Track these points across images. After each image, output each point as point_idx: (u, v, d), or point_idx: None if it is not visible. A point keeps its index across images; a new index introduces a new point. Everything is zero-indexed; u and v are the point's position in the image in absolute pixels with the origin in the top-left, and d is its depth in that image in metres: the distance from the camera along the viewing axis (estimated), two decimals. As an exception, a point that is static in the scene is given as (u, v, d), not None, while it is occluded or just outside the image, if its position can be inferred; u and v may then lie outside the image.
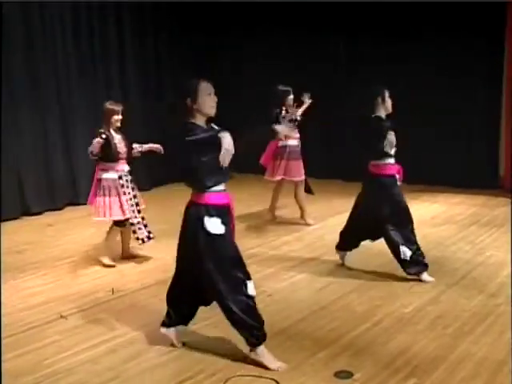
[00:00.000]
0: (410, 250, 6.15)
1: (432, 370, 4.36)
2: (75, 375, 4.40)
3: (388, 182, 6.25)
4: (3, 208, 8.83)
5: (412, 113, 10.04)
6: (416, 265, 6.18)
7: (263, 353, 4.48)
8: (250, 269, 4.49)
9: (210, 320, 5.15)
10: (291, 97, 8.26)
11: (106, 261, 6.85)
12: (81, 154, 9.93)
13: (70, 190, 9.94)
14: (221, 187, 4.43)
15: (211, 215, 4.38)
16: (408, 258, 6.16)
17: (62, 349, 4.80)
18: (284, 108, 8.19)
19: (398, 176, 6.30)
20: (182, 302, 4.73)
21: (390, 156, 6.22)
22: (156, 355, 4.68)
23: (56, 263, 6.99)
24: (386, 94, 6.24)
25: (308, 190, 8.52)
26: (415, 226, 6.30)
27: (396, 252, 6.20)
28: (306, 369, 4.42)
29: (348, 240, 6.62)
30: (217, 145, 4.23)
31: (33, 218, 9.20)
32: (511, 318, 5.14)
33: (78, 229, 8.47)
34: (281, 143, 8.27)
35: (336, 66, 11.36)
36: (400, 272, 6.29)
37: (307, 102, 8.34)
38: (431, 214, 8.97)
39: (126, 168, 6.83)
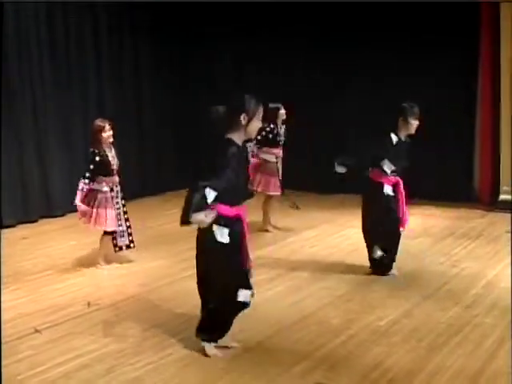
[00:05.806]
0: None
1: (407, 382, 4.37)
2: (48, 391, 4.34)
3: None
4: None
5: (384, 124, 10.11)
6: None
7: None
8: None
9: (184, 333, 5.14)
10: (282, 111, 8.50)
11: (102, 263, 7.17)
12: (55, 166, 9.91)
13: (44, 202, 9.83)
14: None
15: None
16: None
17: (35, 364, 4.73)
18: (273, 124, 8.42)
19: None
20: None
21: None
22: (131, 369, 4.62)
23: (29, 277, 6.88)
24: (411, 116, 6.32)
25: (295, 206, 8.55)
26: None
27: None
28: (282, 382, 4.40)
29: None
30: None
31: (6, 230, 9.08)
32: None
33: (51, 242, 8.37)
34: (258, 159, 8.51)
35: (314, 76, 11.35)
36: (375, 285, 6.31)
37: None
38: (406, 226, 8.96)
39: (117, 179, 7.10)
